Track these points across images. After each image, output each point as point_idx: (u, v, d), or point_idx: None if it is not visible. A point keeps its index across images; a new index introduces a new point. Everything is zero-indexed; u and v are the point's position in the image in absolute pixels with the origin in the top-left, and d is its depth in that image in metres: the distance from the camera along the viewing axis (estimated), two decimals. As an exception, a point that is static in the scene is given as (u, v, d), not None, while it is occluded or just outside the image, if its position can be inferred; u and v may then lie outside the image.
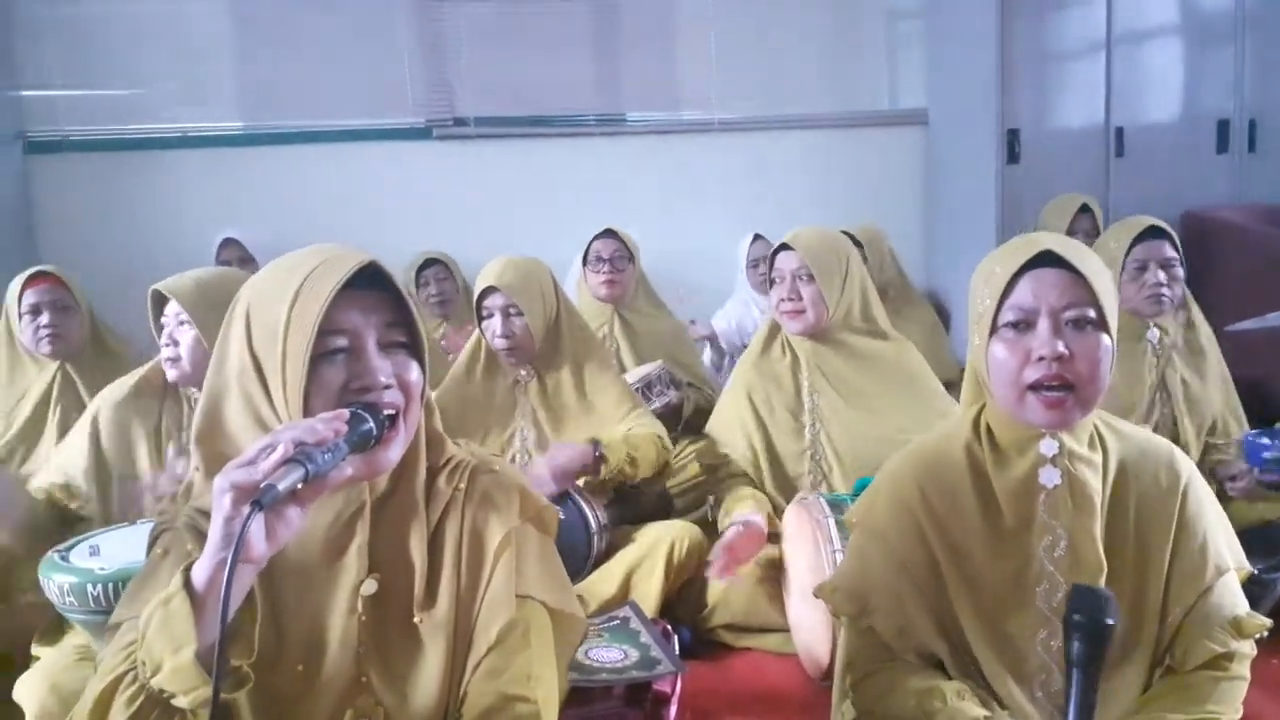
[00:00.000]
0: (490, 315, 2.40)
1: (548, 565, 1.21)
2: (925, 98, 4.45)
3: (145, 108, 4.07)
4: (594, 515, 2.26)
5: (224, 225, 3.87)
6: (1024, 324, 1.26)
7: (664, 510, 2.55)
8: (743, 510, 2.27)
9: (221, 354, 1.12)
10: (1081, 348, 1.24)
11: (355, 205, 4.11)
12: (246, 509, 0.89)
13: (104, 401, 2.12)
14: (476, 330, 2.47)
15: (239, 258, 3.71)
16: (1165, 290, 2.38)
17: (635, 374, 2.92)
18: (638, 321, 3.33)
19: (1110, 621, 1.01)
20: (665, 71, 4.43)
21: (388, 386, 1.08)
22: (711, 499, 2.45)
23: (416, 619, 1.13)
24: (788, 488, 2.38)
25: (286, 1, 4.11)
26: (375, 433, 1.03)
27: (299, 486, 0.92)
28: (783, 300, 2.38)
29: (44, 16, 3.94)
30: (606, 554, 2.29)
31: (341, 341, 1.07)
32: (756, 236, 3.90)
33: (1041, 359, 1.23)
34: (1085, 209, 3.56)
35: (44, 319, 2.56)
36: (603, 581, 2.21)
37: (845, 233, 3.37)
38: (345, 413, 1.00)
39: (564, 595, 1.23)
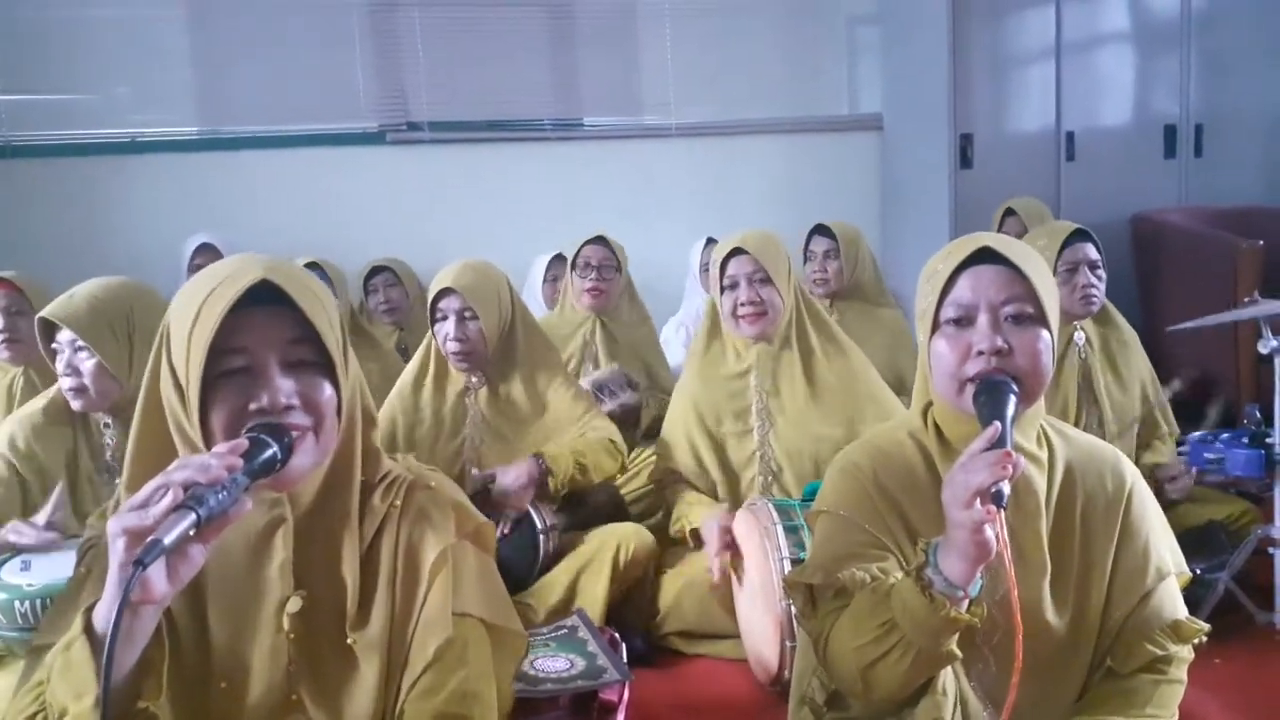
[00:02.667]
0: (444, 318, 2.35)
1: (486, 582, 1.19)
2: (881, 103, 4.48)
3: (95, 113, 3.98)
4: (540, 517, 2.25)
5: (176, 230, 3.79)
6: (964, 320, 1.27)
7: (617, 516, 2.52)
8: (698, 515, 2.27)
9: (154, 369, 1.10)
10: (1021, 342, 1.24)
11: (308, 210, 4.05)
12: (132, 568, 0.87)
13: (15, 426, 2.01)
14: (429, 335, 2.43)
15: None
16: (1095, 291, 2.41)
17: (589, 378, 2.90)
18: (619, 330, 3.27)
19: (1002, 380, 1.21)
20: (623, 76, 4.41)
21: (290, 407, 1.05)
22: (662, 512, 2.44)
23: (350, 639, 1.10)
24: (737, 492, 2.37)
25: (240, 6, 4.04)
26: (280, 457, 1.00)
27: (192, 533, 0.90)
28: (741, 305, 2.34)
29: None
30: (556, 558, 2.27)
31: (239, 361, 1.05)
32: (709, 240, 3.88)
33: (981, 353, 1.24)
34: (1010, 212, 3.59)
35: None
36: (550, 587, 2.20)
37: (823, 225, 3.41)
38: (243, 443, 0.97)
39: (503, 612, 1.21)
